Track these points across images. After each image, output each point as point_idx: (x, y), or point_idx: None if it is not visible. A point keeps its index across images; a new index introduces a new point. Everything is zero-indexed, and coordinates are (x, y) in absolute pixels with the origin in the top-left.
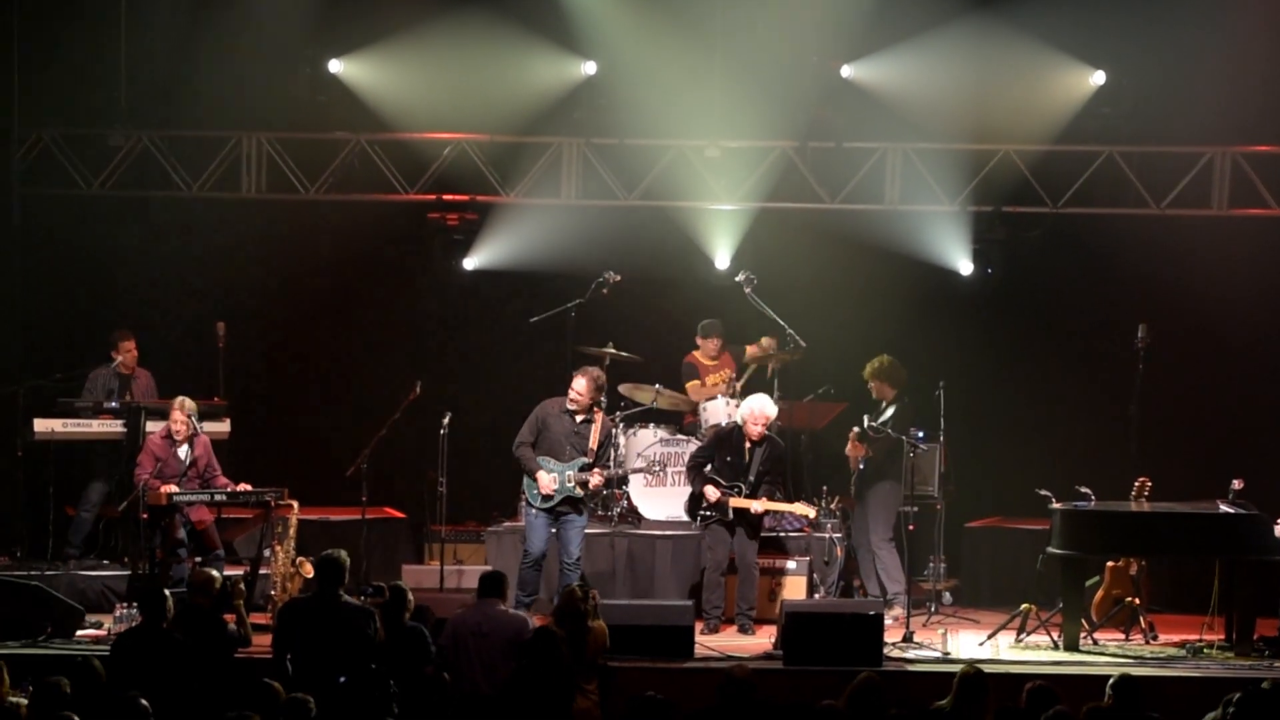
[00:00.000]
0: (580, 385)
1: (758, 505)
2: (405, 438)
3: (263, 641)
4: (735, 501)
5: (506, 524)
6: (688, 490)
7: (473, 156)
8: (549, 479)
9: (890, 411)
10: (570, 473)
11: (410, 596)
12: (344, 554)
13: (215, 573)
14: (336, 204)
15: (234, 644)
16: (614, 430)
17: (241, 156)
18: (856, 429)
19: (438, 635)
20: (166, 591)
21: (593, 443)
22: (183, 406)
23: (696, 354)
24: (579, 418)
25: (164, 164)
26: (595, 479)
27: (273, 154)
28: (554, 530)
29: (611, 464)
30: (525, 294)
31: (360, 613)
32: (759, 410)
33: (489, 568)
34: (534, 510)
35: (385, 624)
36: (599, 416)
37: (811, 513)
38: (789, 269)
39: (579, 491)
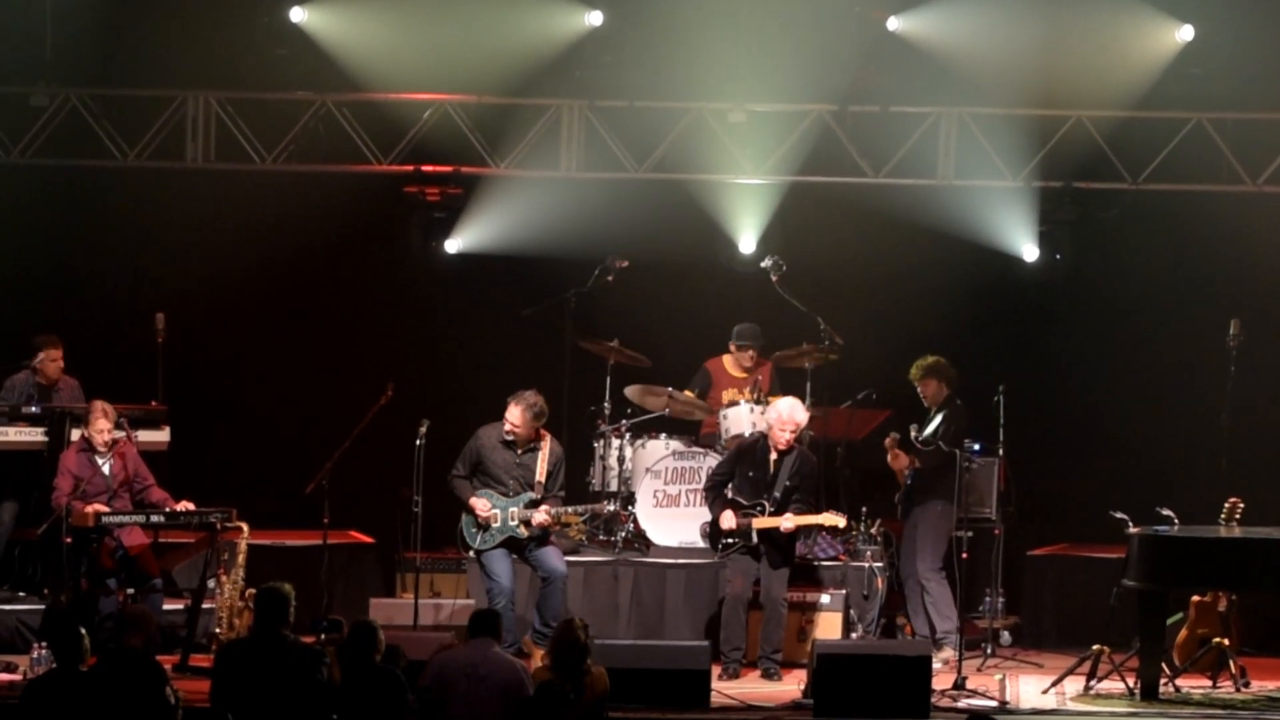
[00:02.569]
0: (515, 416)
1: (786, 523)
2: (375, 449)
3: (203, 689)
4: (759, 522)
5: None
6: (703, 511)
7: (457, 121)
8: (486, 504)
9: (939, 419)
10: (514, 509)
11: (381, 635)
12: (287, 586)
13: (150, 608)
14: (297, 176)
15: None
16: (625, 444)
17: (186, 119)
18: (895, 434)
19: (413, 680)
20: (81, 629)
21: (540, 474)
22: (107, 413)
23: (724, 360)
24: (520, 447)
25: (95, 128)
26: (540, 516)
27: (223, 117)
28: (515, 558)
29: (562, 493)
30: (517, 282)
31: (307, 654)
32: (788, 415)
33: (471, 602)
34: (472, 551)
35: (351, 667)
36: (546, 442)
37: (840, 522)
38: (824, 254)
39: (521, 531)
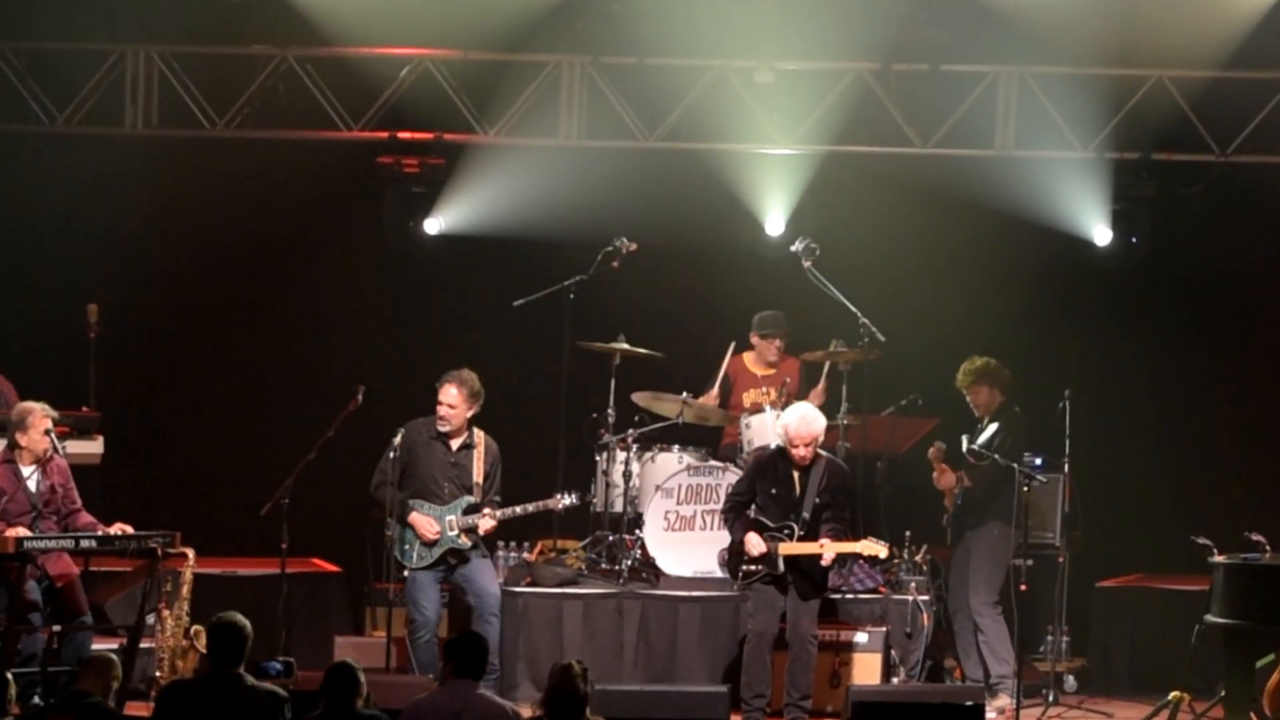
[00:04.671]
0: (451, 395)
1: (828, 553)
2: (342, 463)
3: None
4: (785, 548)
5: None
6: (721, 536)
7: (439, 80)
8: (428, 521)
9: (994, 429)
10: (452, 518)
11: (362, 677)
12: (243, 619)
13: (114, 655)
14: (253, 145)
15: None
16: (631, 457)
17: (125, 78)
18: (940, 444)
19: None
20: (6, 674)
21: (477, 474)
22: (49, 420)
23: (746, 358)
24: (455, 442)
25: (19, 88)
26: (486, 521)
27: (167, 75)
28: (445, 584)
29: (498, 498)
30: (508, 268)
31: (267, 698)
32: (796, 427)
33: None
34: (407, 570)
35: (330, 716)
36: (481, 439)
37: (882, 551)
38: (864, 236)
39: (464, 541)
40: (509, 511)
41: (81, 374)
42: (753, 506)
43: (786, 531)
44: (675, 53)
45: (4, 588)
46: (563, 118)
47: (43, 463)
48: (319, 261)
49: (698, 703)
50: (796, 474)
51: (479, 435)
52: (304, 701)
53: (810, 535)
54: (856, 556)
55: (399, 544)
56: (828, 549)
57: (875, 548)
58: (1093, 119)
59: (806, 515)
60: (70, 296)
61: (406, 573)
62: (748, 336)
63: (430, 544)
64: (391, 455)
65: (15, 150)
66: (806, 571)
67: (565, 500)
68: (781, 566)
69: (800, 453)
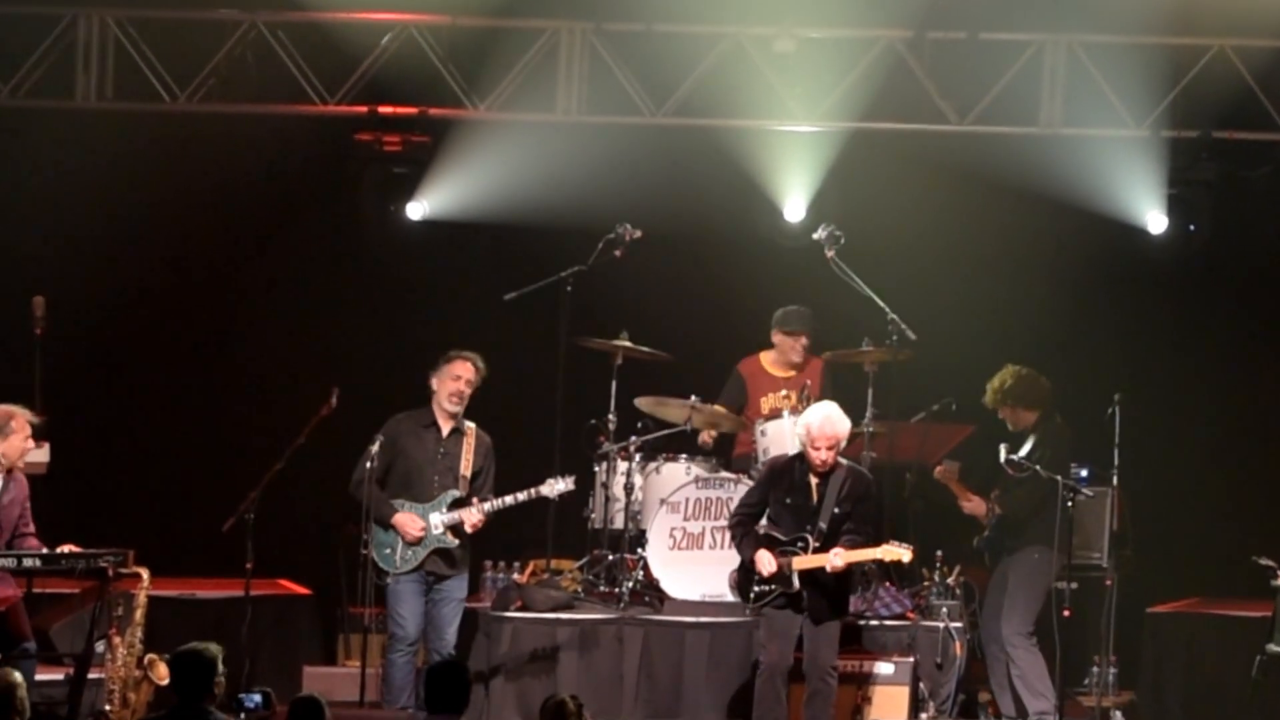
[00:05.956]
0: (470, 370)
1: (835, 559)
2: (313, 473)
3: None
4: (800, 561)
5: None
6: (732, 555)
7: (424, 49)
8: (412, 520)
9: (1035, 439)
10: (435, 515)
11: (327, 713)
12: (214, 648)
13: (18, 676)
14: (218, 119)
15: None
16: (634, 468)
17: (77, 45)
18: (948, 463)
19: None
20: None
21: (465, 467)
22: (25, 423)
23: (763, 358)
24: (445, 428)
25: None
26: (473, 516)
27: (123, 41)
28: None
29: (490, 493)
30: (498, 257)
31: None
32: (820, 426)
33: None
34: (390, 577)
35: None
36: (471, 428)
37: (905, 555)
38: (894, 223)
39: (450, 540)
40: (497, 503)
41: (26, 374)
42: (764, 523)
43: (800, 544)
44: (685, 19)
45: None
46: (561, 91)
47: (8, 472)
48: (290, 251)
49: None
50: (815, 481)
51: (469, 424)
52: None
53: (828, 549)
54: (882, 579)
55: (379, 548)
56: (840, 556)
57: (896, 551)
58: (1148, 93)
59: (823, 526)
60: (13, 288)
61: (389, 580)
62: (764, 333)
63: (415, 543)
64: (375, 449)
65: None
66: (824, 590)
67: (559, 485)
68: (796, 584)
69: (821, 456)
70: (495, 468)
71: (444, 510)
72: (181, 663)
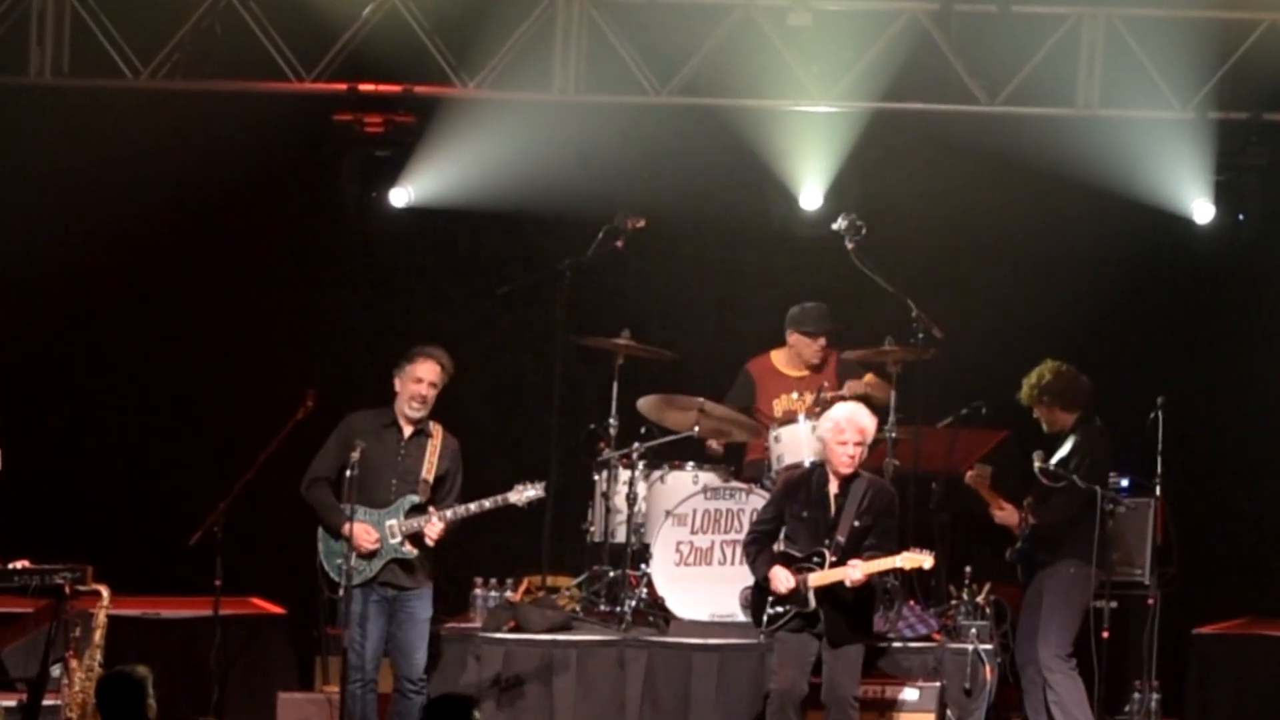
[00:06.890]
0: (427, 370)
1: (854, 572)
2: (287, 483)
3: None
4: (817, 577)
5: (450, 624)
6: (744, 572)
7: (408, 21)
8: (364, 529)
9: (1071, 445)
10: (393, 522)
11: None
12: (141, 669)
13: None
14: (184, 98)
15: None
16: (637, 477)
17: (30, 18)
18: (980, 467)
19: None
20: None
21: (427, 470)
22: None
23: (775, 357)
24: (407, 430)
25: None
26: (432, 526)
27: (80, 13)
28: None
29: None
30: (489, 248)
31: None
32: (848, 418)
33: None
34: (341, 590)
35: None
36: (437, 429)
37: (926, 561)
38: (919, 212)
39: (408, 551)
40: (459, 511)
41: None
42: (780, 540)
43: (816, 560)
44: None
45: None
46: (557, 67)
47: None
48: (263, 242)
49: None
50: (834, 492)
51: (434, 426)
52: None
53: (845, 563)
54: (906, 597)
55: (329, 558)
56: (858, 568)
57: (917, 559)
58: (1193, 71)
59: (842, 539)
60: None
61: (341, 594)
62: (776, 331)
63: (369, 556)
64: (331, 449)
65: None
66: (844, 609)
67: (528, 492)
68: (813, 602)
69: (848, 451)
70: (465, 474)
71: (401, 517)
72: (108, 687)
